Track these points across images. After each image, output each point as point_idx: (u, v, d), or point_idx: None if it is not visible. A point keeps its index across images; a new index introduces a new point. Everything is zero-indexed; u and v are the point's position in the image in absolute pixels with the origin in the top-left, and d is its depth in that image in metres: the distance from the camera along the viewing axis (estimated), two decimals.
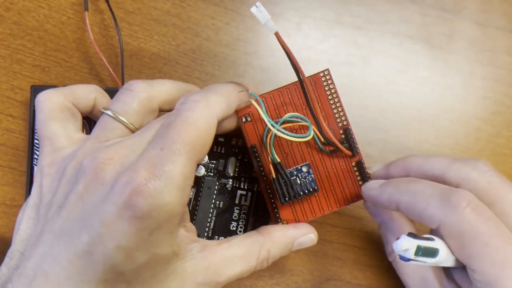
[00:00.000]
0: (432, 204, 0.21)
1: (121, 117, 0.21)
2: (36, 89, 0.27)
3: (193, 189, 0.27)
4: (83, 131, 0.24)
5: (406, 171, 0.25)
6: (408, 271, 0.25)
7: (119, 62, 0.29)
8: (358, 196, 0.26)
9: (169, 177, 0.18)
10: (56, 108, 0.22)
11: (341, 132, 0.26)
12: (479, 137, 0.33)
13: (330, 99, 0.26)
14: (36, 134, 0.27)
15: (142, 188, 0.18)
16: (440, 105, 0.33)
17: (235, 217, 0.27)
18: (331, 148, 0.25)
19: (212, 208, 0.27)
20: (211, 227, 0.27)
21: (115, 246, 0.18)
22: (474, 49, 0.33)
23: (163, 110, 0.23)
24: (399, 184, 0.23)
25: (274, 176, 0.23)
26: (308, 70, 0.31)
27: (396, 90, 0.32)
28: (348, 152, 0.25)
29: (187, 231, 0.22)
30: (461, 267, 0.22)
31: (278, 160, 0.23)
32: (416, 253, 0.19)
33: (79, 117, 0.23)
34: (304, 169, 0.24)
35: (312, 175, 0.24)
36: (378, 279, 0.30)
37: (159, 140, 0.19)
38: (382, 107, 0.32)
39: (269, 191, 0.25)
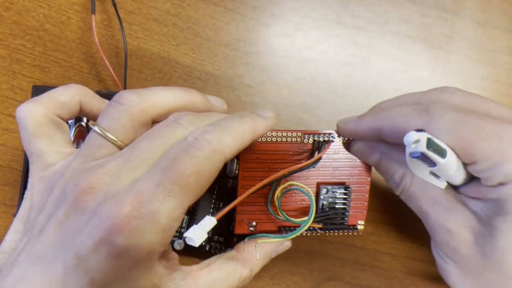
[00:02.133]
0: (414, 118, 0.21)
1: (108, 134, 0.20)
2: (37, 89, 0.27)
3: None
4: (73, 143, 0.24)
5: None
6: (420, 194, 0.24)
7: (119, 62, 0.29)
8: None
9: (155, 218, 0.17)
10: (39, 124, 0.21)
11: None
12: None
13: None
14: None
15: (123, 226, 0.17)
16: None
17: (235, 217, 0.27)
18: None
19: (212, 208, 0.27)
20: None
21: (89, 280, 0.17)
22: (474, 49, 0.33)
23: (158, 122, 0.22)
24: (376, 111, 0.23)
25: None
26: (307, 70, 0.31)
27: (396, 90, 0.32)
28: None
29: (168, 261, 0.21)
30: (467, 180, 0.22)
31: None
32: (428, 146, 0.19)
33: (66, 128, 0.22)
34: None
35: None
36: (378, 279, 0.30)
37: (157, 175, 0.18)
38: None
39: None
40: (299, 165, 0.23)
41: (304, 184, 0.23)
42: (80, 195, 0.18)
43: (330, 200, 0.25)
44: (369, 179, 0.25)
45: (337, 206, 0.25)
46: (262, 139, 0.23)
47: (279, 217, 0.24)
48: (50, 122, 0.21)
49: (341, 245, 0.30)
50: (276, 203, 0.23)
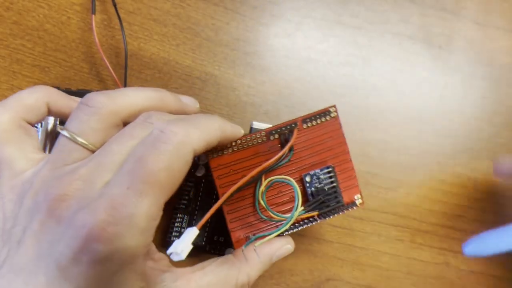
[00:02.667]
0: None
1: (78, 138, 0.19)
2: None
3: (193, 190, 0.27)
4: (44, 149, 0.23)
5: None
6: None
7: (119, 62, 0.29)
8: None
9: (132, 221, 0.17)
10: (6, 130, 0.20)
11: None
12: (479, 137, 0.33)
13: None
14: None
15: (100, 232, 0.16)
16: (440, 105, 0.33)
17: (230, 235, 0.27)
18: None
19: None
20: (211, 226, 0.27)
21: None
22: (474, 49, 0.33)
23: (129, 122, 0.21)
24: None
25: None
26: (307, 70, 0.31)
27: (396, 90, 0.32)
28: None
29: (156, 262, 0.20)
30: None
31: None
32: None
33: (34, 133, 0.21)
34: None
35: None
36: (378, 279, 0.30)
37: (126, 176, 0.17)
38: (382, 107, 0.32)
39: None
40: (271, 160, 0.22)
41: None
42: (53, 204, 0.18)
43: (317, 185, 0.24)
44: (347, 149, 0.25)
45: (326, 188, 0.24)
46: (229, 150, 0.23)
47: (272, 219, 0.23)
48: (17, 128, 0.20)
49: (341, 245, 0.30)
50: (262, 203, 0.23)
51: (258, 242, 0.22)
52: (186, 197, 0.27)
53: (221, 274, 0.22)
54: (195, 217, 0.27)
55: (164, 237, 0.27)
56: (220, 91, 0.30)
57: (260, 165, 0.22)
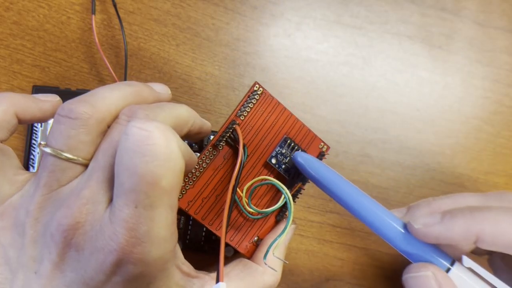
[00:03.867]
0: None
1: (69, 155, 0.18)
2: (37, 89, 0.27)
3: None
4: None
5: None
6: None
7: (119, 62, 0.29)
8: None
9: (153, 235, 0.16)
10: None
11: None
12: (479, 137, 0.33)
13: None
14: (34, 135, 0.27)
15: (128, 255, 0.16)
16: (440, 105, 0.33)
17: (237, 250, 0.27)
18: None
19: None
20: (188, 233, 0.27)
21: None
22: (474, 49, 0.33)
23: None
24: (472, 212, 0.20)
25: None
26: (307, 70, 0.31)
27: (396, 90, 0.32)
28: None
29: (184, 270, 0.20)
30: None
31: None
32: None
33: (11, 152, 0.20)
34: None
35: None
36: (378, 279, 0.30)
37: (129, 195, 0.16)
38: (382, 107, 0.32)
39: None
40: (235, 172, 0.21)
41: (258, 170, 0.23)
42: (68, 234, 0.17)
43: (284, 160, 0.23)
44: (289, 113, 0.24)
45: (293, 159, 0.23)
46: (190, 184, 0.22)
47: (256, 216, 0.23)
48: None
49: (341, 245, 0.30)
50: (251, 210, 0.22)
51: (275, 249, 0.22)
52: (181, 197, 0.27)
53: (247, 279, 0.21)
54: (191, 218, 0.27)
55: None
56: (220, 91, 0.30)
57: (226, 180, 0.22)
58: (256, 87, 0.23)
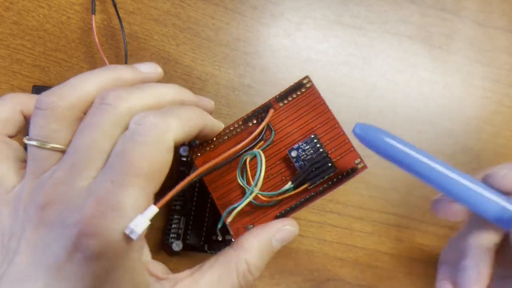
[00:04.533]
0: None
1: (46, 145, 0.19)
2: (37, 89, 0.27)
3: (189, 190, 0.27)
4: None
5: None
6: None
7: (119, 62, 0.29)
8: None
9: (120, 213, 0.17)
10: None
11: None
12: (479, 137, 0.33)
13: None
14: None
15: (90, 228, 0.17)
16: (440, 105, 0.33)
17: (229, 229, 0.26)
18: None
19: (208, 207, 0.27)
20: (209, 226, 0.27)
21: None
22: (474, 49, 0.33)
23: None
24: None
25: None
26: (307, 70, 0.31)
27: (396, 90, 0.32)
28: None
29: (151, 270, 0.20)
30: None
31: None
32: None
33: (17, 146, 0.21)
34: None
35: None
36: (378, 279, 0.30)
37: (109, 172, 0.18)
38: (382, 107, 0.32)
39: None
40: (246, 140, 0.22)
41: (278, 160, 0.23)
42: (41, 211, 0.18)
43: (305, 158, 0.22)
44: (332, 115, 0.23)
45: (314, 156, 0.22)
46: (211, 146, 0.23)
47: (264, 202, 0.22)
48: (1, 144, 0.20)
49: (341, 245, 0.30)
50: (239, 181, 0.22)
51: (231, 215, 0.21)
52: (182, 198, 0.27)
53: (220, 269, 0.21)
54: (191, 217, 0.27)
55: (162, 239, 0.27)
56: (220, 91, 0.30)
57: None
58: (306, 80, 0.23)
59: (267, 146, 0.23)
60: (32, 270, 0.17)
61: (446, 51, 0.33)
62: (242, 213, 0.22)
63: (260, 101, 0.30)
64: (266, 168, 0.22)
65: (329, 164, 0.22)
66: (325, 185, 0.22)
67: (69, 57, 0.29)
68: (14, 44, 0.28)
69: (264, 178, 0.22)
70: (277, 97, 0.23)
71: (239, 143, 0.22)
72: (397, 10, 0.33)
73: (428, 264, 0.31)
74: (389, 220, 0.31)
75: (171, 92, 0.21)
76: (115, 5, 0.29)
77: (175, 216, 0.27)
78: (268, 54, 0.31)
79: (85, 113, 0.20)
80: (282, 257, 0.30)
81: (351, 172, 0.22)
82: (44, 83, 0.28)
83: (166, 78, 0.30)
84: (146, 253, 0.21)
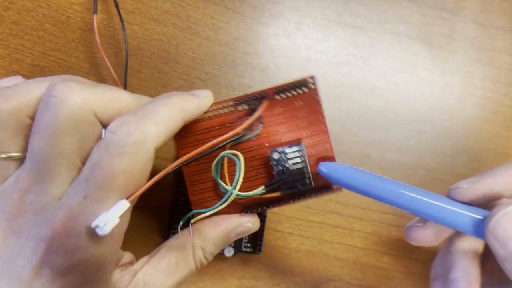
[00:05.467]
0: None
1: None
2: None
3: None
4: None
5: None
6: None
7: (119, 62, 0.29)
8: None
9: (91, 231, 0.16)
10: None
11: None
12: (479, 137, 0.33)
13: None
14: None
15: (59, 246, 0.16)
16: (440, 105, 0.33)
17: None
18: None
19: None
20: None
21: None
22: (474, 49, 0.33)
23: None
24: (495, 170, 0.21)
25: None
26: (307, 70, 0.31)
27: (396, 90, 0.32)
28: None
29: (122, 267, 0.20)
30: None
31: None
32: None
33: None
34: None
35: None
36: (378, 279, 0.30)
37: (82, 185, 0.16)
38: (382, 107, 0.32)
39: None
40: (234, 131, 0.20)
41: (258, 154, 0.21)
42: (11, 221, 0.17)
43: (285, 164, 0.21)
44: (325, 128, 0.22)
45: (294, 168, 0.21)
46: (193, 121, 0.21)
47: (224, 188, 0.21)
48: None
49: (341, 245, 0.30)
50: (213, 175, 0.21)
51: (193, 220, 0.21)
52: (182, 198, 0.27)
53: (177, 254, 0.21)
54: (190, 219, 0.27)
55: (162, 239, 0.27)
56: (220, 91, 0.30)
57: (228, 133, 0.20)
58: (310, 80, 0.21)
59: (252, 137, 0.21)
60: None
61: (446, 51, 0.33)
62: (206, 196, 0.22)
63: None
64: (243, 161, 0.21)
65: (307, 181, 0.21)
66: (296, 197, 0.22)
67: (69, 57, 0.29)
68: (14, 44, 0.28)
69: (245, 175, 0.21)
70: (276, 89, 0.21)
71: (224, 126, 0.21)
72: (397, 9, 0.33)
73: (428, 264, 0.31)
74: (389, 220, 0.31)
75: (173, 109, 0.19)
76: (117, 5, 0.29)
77: (174, 216, 0.27)
78: (268, 54, 0.31)
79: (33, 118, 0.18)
80: (282, 257, 0.30)
81: (326, 190, 0.22)
82: None
83: (166, 78, 0.30)
84: (120, 256, 0.20)
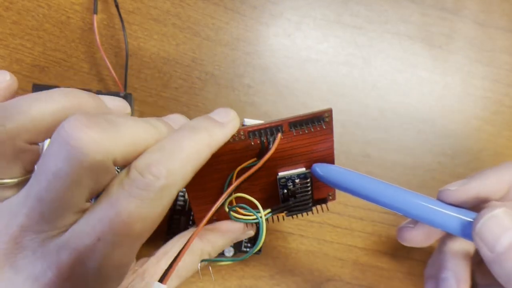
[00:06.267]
0: None
1: None
2: (37, 88, 0.27)
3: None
4: None
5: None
6: None
7: (119, 62, 0.29)
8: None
9: (101, 273, 0.15)
10: None
11: None
12: (479, 137, 0.33)
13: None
14: None
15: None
16: (440, 105, 0.33)
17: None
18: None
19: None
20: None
21: None
22: (474, 49, 0.33)
23: (40, 142, 0.17)
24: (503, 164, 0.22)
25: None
26: (307, 70, 0.31)
27: (396, 90, 0.32)
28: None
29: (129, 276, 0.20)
30: None
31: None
32: None
33: None
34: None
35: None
36: (378, 279, 0.30)
37: (97, 226, 0.15)
38: (382, 107, 0.32)
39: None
40: (246, 174, 0.20)
41: (263, 173, 0.22)
42: (8, 256, 0.15)
43: (291, 188, 0.22)
44: (332, 154, 0.22)
45: (299, 195, 0.22)
46: None
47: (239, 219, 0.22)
48: None
49: (341, 245, 0.30)
50: (234, 214, 0.21)
51: (205, 262, 0.22)
52: (182, 198, 0.27)
53: (186, 256, 0.20)
54: (191, 218, 0.27)
55: (162, 238, 0.27)
56: (220, 91, 0.30)
57: (236, 164, 0.21)
58: (327, 114, 0.21)
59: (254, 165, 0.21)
60: None
61: (446, 51, 0.33)
62: (209, 201, 0.22)
63: (260, 101, 0.30)
64: (250, 177, 0.21)
65: (310, 204, 0.23)
66: (295, 213, 0.23)
67: (69, 57, 0.29)
68: (14, 44, 0.28)
69: (247, 188, 0.22)
70: (291, 122, 0.21)
71: (233, 153, 0.21)
72: (397, 9, 0.33)
73: None
74: (389, 220, 0.31)
75: (202, 144, 0.17)
76: (117, 5, 0.29)
77: (175, 216, 0.27)
78: (268, 54, 0.31)
79: (33, 143, 0.16)
80: (282, 257, 0.30)
81: (321, 201, 0.24)
82: (43, 82, 0.28)
83: (166, 78, 0.29)
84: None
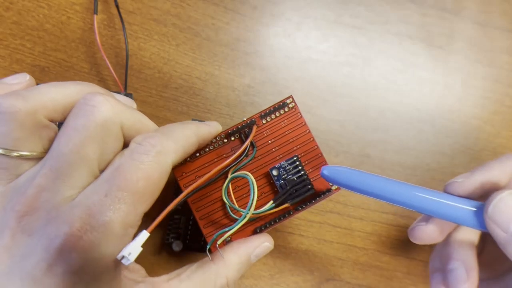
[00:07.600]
0: None
1: (11, 153, 0.18)
2: None
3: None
4: None
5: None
6: None
7: (119, 62, 0.29)
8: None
9: (108, 228, 0.17)
10: None
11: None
12: (479, 137, 0.33)
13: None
14: None
15: (76, 241, 0.16)
16: (440, 105, 0.33)
17: (205, 241, 0.26)
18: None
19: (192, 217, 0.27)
20: (188, 233, 0.27)
21: None
22: (474, 49, 0.33)
23: (57, 121, 0.19)
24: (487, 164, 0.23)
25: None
26: (307, 70, 0.31)
27: (396, 90, 0.32)
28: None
29: (131, 272, 0.20)
30: None
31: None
32: None
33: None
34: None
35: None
36: (378, 279, 0.30)
37: (103, 185, 0.17)
38: (382, 107, 0.32)
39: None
40: (231, 158, 0.22)
41: (259, 176, 0.23)
42: (21, 219, 0.17)
43: (285, 177, 0.23)
44: (312, 137, 0.24)
45: (294, 178, 0.23)
46: (191, 157, 0.23)
47: (234, 214, 0.23)
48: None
49: (341, 245, 0.30)
50: (224, 199, 0.22)
51: (220, 240, 0.22)
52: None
53: (197, 280, 0.21)
54: (191, 218, 0.27)
55: (162, 238, 0.27)
56: (220, 91, 0.30)
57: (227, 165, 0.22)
58: (289, 100, 0.24)
59: (249, 162, 0.23)
60: (9, 278, 0.17)
61: (446, 51, 0.33)
62: (218, 225, 0.23)
63: (260, 101, 0.30)
64: (254, 179, 0.22)
65: (309, 186, 0.23)
66: (302, 205, 0.23)
67: (69, 57, 0.29)
68: (14, 44, 0.28)
69: (245, 192, 0.23)
70: (261, 114, 0.24)
71: (221, 157, 0.23)
72: (398, 10, 0.33)
73: (428, 264, 0.31)
74: (389, 220, 0.31)
75: (188, 132, 0.21)
76: (117, 5, 0.29)
77: (175, 216, 0.27)
78: (268, 54, 0.31)
79: (52, 120, 0.19)
80: (282, 257, 0.30)
81: (327, 192, 0.24)
82: (43, 83, 0.28)
83: (166, 78, 0.30)
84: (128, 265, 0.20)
